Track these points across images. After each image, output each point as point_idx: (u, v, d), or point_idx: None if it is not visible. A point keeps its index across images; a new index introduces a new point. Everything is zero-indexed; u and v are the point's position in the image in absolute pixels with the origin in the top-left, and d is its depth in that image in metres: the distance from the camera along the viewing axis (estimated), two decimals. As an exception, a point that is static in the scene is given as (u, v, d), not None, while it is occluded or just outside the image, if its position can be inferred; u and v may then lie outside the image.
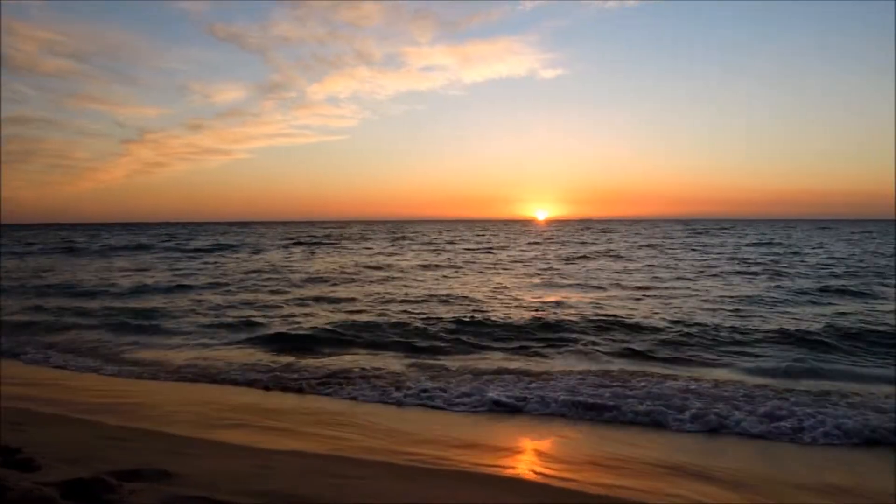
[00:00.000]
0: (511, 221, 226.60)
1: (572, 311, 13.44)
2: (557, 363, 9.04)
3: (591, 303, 14.78)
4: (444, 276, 21.86)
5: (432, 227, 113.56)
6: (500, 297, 16.18)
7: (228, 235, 65.38)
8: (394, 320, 12.44)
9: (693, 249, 35.84)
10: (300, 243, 46.35)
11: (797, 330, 10.91)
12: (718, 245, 39.99)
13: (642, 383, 7.66)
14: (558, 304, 14.69)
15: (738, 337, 10.47)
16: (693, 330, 10.97)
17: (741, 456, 5.44)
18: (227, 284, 19.37)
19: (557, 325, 11.54)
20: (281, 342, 10.60)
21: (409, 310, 13.91)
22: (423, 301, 15.27)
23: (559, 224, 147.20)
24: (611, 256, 30.95)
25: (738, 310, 13.36)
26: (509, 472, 4.90)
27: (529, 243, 46.36)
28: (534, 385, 7.66)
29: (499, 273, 23.20)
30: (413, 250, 37.54)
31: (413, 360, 9.23)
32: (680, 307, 13.88)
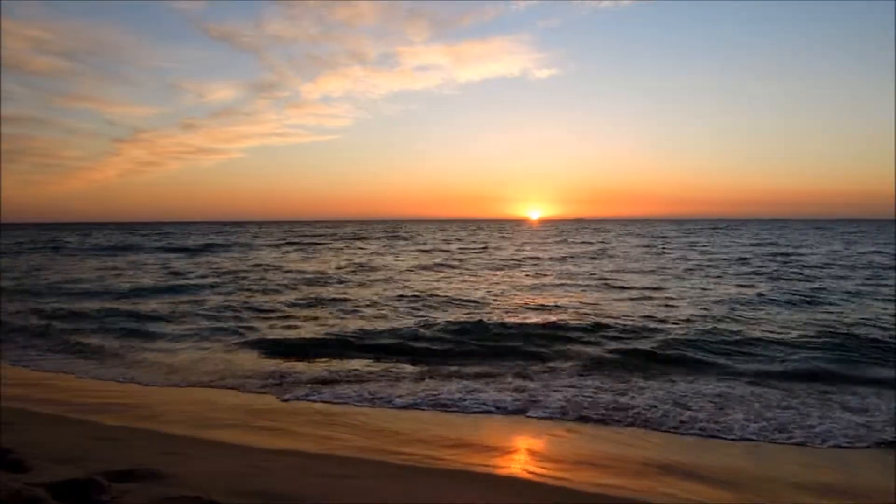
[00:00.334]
0: (505, 221, 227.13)
1: (567, 311, 13.47)
2: (551, 363, 9.05)
3: (586, 303, 14.81)
4: (439, 277, 21.86)
5: (426, 226, 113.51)
6: (494, 297, 16.20)
7: (222, 235, 65.13)
8: (387, 321, 12.40)
9: (690, 249, 36.00)
10: (293, 243, 46.26)
11: (795, 331, 10.96)
12: (716, 245, 40.18)
13: (638, 384, 7.70)
14: (553, 304, 14.72)
15: (735, 338, 10.48)
16: (689, 330, 11.00)
17: (735, 456, 5.45)
18: (219, 285, 19.28)
19: (552, 326, 11.55)
20: (273, 344, 10.55)
21: (403, 310, 13.90)
22: (416, 301, 15.27)
23: (552, 224, 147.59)
24: (605, 256, 31.05)
25: (734, 311, 13.41)
26: (503, 471, 4.91)
27: (524, 243, 46.44)
28: (528, 385, 7.67)
29: (494, 273, 23.23)
30: (407, 250, 37.52)
31: (406, 361, 9.24)
32: (676, 308, 13.94)
